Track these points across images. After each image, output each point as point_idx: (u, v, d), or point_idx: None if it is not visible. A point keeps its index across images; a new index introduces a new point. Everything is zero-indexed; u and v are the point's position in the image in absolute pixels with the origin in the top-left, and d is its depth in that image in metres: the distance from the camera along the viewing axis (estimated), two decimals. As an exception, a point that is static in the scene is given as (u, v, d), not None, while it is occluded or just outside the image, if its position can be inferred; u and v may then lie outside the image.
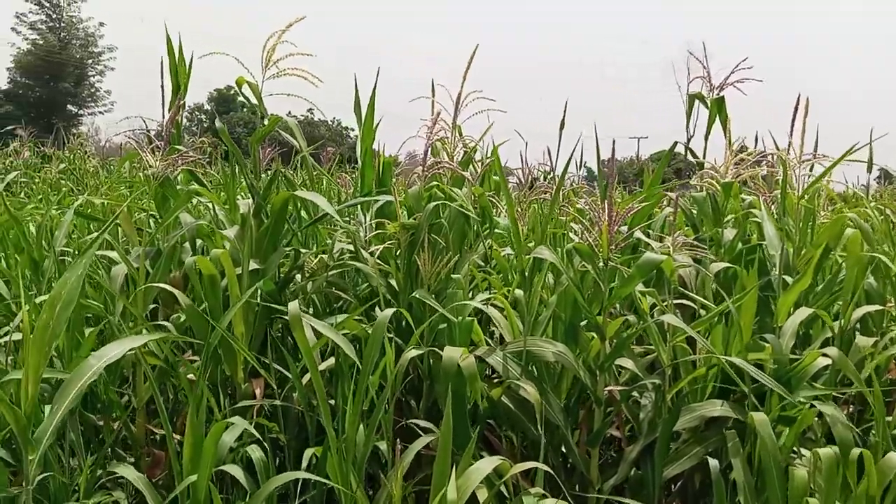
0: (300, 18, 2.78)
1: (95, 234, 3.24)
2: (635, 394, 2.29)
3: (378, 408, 1.84)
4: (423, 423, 2.18)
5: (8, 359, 2.55)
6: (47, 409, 1.78)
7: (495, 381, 2.46)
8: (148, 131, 3.18)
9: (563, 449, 2.31)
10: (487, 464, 1.76)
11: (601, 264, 2.07)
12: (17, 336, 2.39)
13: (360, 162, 3.14)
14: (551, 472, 1.84)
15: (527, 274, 2.17)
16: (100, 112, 45.81)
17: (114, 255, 2.69)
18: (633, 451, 2.15)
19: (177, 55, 3.01)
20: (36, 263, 2.86)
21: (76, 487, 2.13)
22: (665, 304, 2.25)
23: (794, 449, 2.09)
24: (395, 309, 2.00)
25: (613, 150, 2.24)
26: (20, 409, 1.39)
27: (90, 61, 45.28)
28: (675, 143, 3.03)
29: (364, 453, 1.82)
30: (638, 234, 2.66)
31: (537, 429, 2.00)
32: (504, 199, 2.34)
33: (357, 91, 3.07)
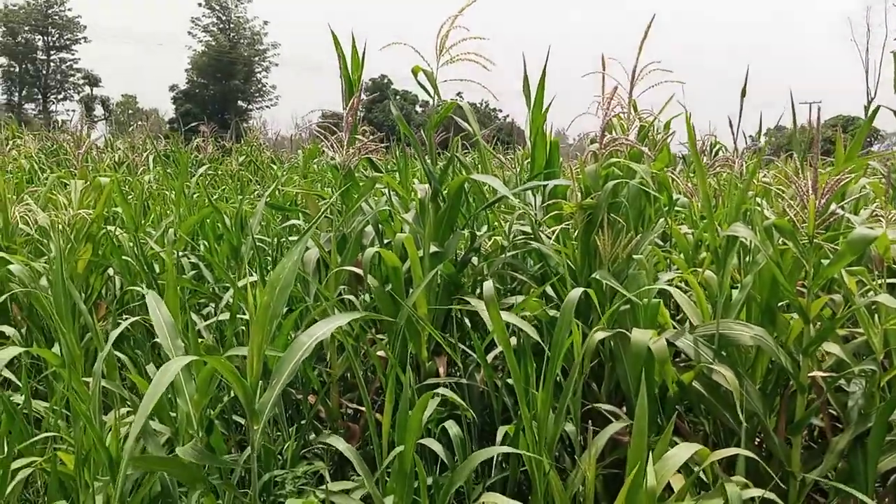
0: (472, 2, 2.79)
1: (293, 222, 3.46)
2: (841, 381, 2.12)
3: (566, 390, 1.83)
4: (607, 407, 2.15)
5: (210, 336, 2.80)
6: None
7: (681, 365, 2.38)
8: (331, 122, 3.33)
9: (759, 437, 2.19)
10: (685, 450, 1.70)
11: (805, 242, 1.92)
12: (223, 316, 2.63)
13: (529, 143, 3.13)
14: (757, 459, 1.74)
15: (720, 253, 2.06)
16: (266, 106, 49.18)
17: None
18: (841, 442, 2.00)
19: (348, 54, 3.13)
20: (235, 249, 3.11)
21: (279, 455, 2.31)
22: (876, 283, 2.06)
23: None
24: (582, 289, 1.97)
25: (819, 116, 2.07)
26: (247, 383, 1.52)
27: (256, 58, 48.60)
28: (878, 107, 2.75)
29: (554, 435, 1.82)
30: (834, 207, 2.45)
31: (735, 415, 1.91)
32: (697, 175, 2.24)
33: (526, 73, 3.05)
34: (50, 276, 3.03)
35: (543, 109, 2.94)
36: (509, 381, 2.37)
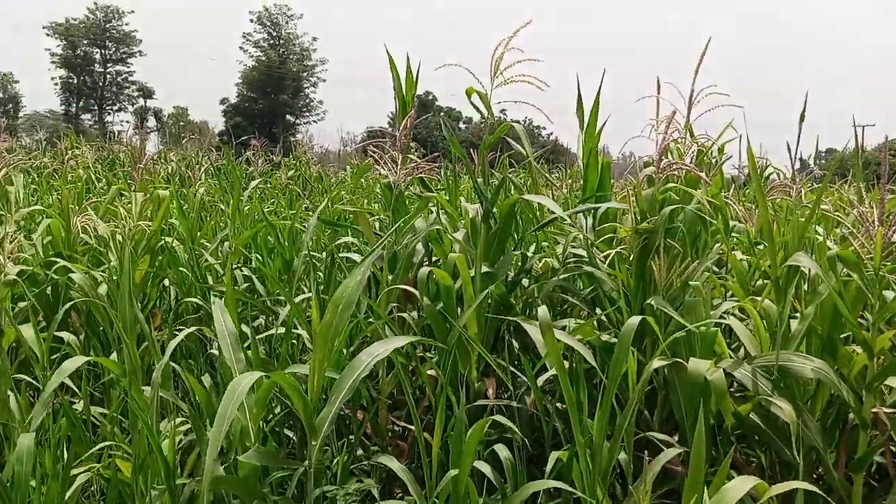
0: (527, 23, 2.80)
1: (345, 239, 3.50)
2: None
3: (623, 419, 1.81)
4: (659, 436, 2.12)
5: (261, 348, 2.84)
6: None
7: (736, 395, 2.33)
8: (379, 138, 3.37)
9: (817, 472, 2.13)
10: (743, 483, 1.66)
11: (870, 273, 1.88)
12: (278, 329, 2.66)
13: (582, 164, 3.12)
14: (819, 492, 1.70)
15: (781, 283, 2.03)
16: (313, 121, 50.04)
17: (356, 256, 2.90)
18: (906, 482, 1.93)
19: (403, 75, 3.18)
20: (287, 263, 3.15)
21: (327, 470, 2.33)
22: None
23: None
24: (640, 317, 1.95)
25: (886, 143, 2.02)
26: (308, 399, 1.54)
27: (305, 74, 49.53)
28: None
29: (609, 463, 1.80)
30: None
31: (793, 449, 1.87)
32: (758, 204, 2.20)
33: (580, 92, 3.05)
34: (109, 284, 3.12)
35: (597, 132, 2.94)
36: (559, 405, 2.36)
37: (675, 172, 2.52)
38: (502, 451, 1.95)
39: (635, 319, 1.91)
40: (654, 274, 2.29)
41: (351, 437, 2.44)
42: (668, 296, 2.27)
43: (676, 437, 2.21)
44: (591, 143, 3.00)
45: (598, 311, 2.55)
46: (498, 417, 1.93)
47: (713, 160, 2.86)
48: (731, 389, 2.40)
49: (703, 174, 2.45)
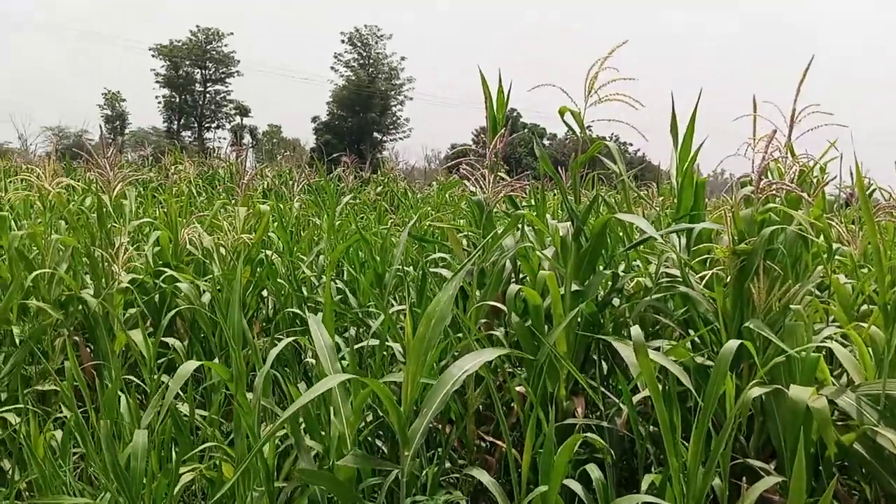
0: (623, 43, 2.81)
1: (437, 255, 3.57)
2: None
3: (718, 443, 1.77)
4: (757, 464, 2.06)
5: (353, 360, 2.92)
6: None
7: (838, 423, 2.24)
8: (462, 155, 3.42)
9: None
10: (848, 518, 1.60)
11: None
12: (370, 342, 2.74)
13: (676, 183, 3.08)
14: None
15: (889, 308, 1.94)
16: (399, 138, 51.08)
17: (444, 272, 2.95)
18: None
19: (494, 95, 3.22)
20: (379, 277, 3.24)
21: (416, 480, 2.37)
22: None
23: None
24: (738, 341, 1.91)
25: None
26: (401, 409, 1.59)
27: (392, 92, 50.66)
28: None
29: (703, 489, 1.77)
30: None
31: (901, 484, 1.78)
32: (865, 223, 2.12)
33: (674, 111, 3.01)
34: (213, 293, 3.28)
35: (693, 152, 2.89)
36: (651, 427, 2.32)
37: (774, 192, 2.45)
38: (594, 471, 1.94)
39: (734, 343, 1.87)
40: (752, 296, 2.23)
41: (439, 449, 2.48)
42: (767, 319, 2.21)
43: (773, 465, 2.14)
44: (685, 162, 2.96)
45: (691, 332, 2.51)
46: (590, 436, 1.92)
47: (814, 179, 2.77)
48: (833, 418, 2.31)
49: (805, 194, 2.38)
